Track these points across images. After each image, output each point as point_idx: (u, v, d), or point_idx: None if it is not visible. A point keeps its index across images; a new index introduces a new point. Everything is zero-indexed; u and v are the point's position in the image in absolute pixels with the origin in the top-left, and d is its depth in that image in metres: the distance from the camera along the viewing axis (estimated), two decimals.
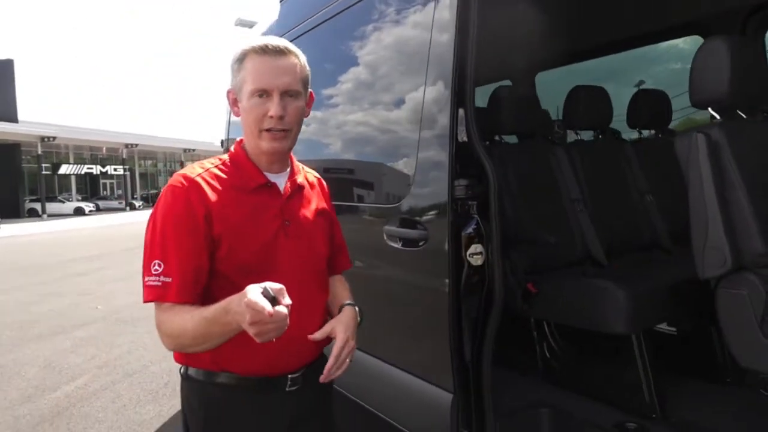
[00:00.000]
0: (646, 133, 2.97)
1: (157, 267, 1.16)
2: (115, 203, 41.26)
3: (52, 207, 34.09)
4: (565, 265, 2.34)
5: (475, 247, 1.66)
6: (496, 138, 2.50)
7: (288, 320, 1.02)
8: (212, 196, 1.20)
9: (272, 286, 1.03)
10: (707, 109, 1.77)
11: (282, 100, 1.21)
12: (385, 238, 1.92)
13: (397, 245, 1.88)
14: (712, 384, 2.11)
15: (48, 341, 5.63)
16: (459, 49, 1.62)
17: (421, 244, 1.78)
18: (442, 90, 1.70)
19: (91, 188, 43.53)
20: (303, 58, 1.27)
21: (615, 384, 1.98)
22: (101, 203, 39.50)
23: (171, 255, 1.16)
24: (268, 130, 1.22)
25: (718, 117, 1.74)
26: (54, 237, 19.70)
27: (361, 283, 2.09)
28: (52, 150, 37.71)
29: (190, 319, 1.12)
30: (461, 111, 1.66)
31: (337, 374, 1.26)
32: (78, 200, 38.32)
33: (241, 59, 1.23)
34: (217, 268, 1.21)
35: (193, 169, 1.25)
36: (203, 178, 1.22)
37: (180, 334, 1.15)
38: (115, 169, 42.37)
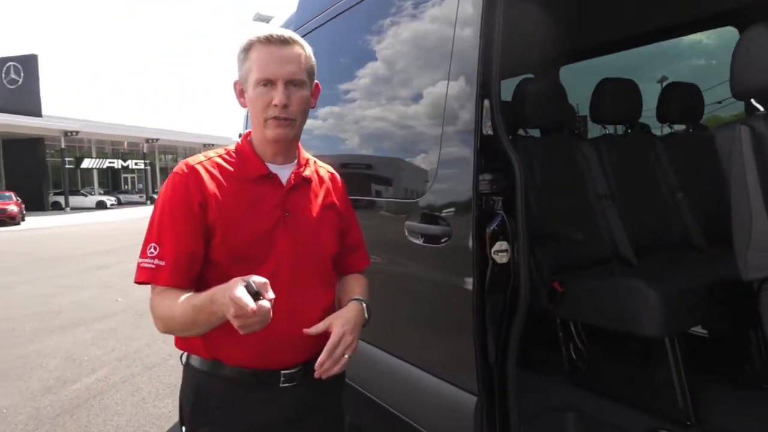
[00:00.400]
0: (673, 128, 2.87)
1: (152, 250, 1.19)
2: (136, 197, 41.86)
3: (74, 200, 34.69)
4: (592, 263, 2.26)
5: (500, 244, 1.60)
6: (520, 132, 2.42)
7: (271, 314, 1.03)
8: (210, 184, 1.21)
9: (256, 280, 1.04)
10: (750, 101, 1.68)
11: (286, 89, 1.21)
12: (406, 234, 1.87)
13: (419, 241, 1.82)
14: (749, 390, 2.02)
15: (69, 333, 5.70)
16: (484, 41, 1.56)
17: (443, 240, 1.72)
18: (466, 83, 1.64)
19: (112, 182, 44.20)
20: (308, 49, 1.28)
21: (646, 388, 1.90)
22: (122, 197, 40.14)
23: (166, 239, 1.19)
24: (273, 118, 1.23)
25: (761, 108, 1.64)
26: (76, 230, 20.04)
27: (380, 279, 2.04)
28: (75, 144, 38.34)
29: (179, 305, 1.14)
30: (486, 104, 1.60)
31: (333, 371, 1.19)
32: (100, 194, 38.98)
33: (246, 49, 1.25)
34: (210, 256, 1.21)
35: (196, 158, 1.28)
36: (204, 167, 1.24)
37: (169, 318, 1.17)
38: (136, 164, 42.95)
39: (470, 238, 1.59)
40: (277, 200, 1.26)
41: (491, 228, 1.58)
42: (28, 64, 36.07)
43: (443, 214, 1.72)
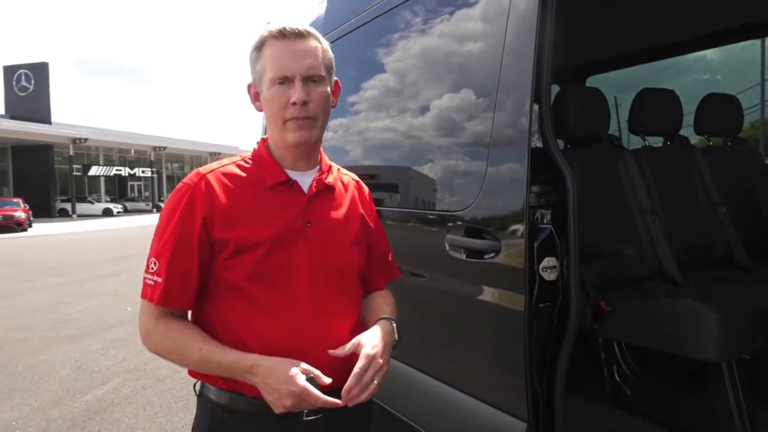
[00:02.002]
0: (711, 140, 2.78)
1: (153, 265, 1.13)
2: (142, 205, 41.97)
3: (81, 207, 34.81)
4: (634, 280, 2.16)
5: (549, 261, 1.52)
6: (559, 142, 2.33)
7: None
8: (221, 194, 1.12)
9: (305, 366, 1.06)
10: None
11: (305, 85, 1.12)
12: (447, 248, 1.77)
13: (461, 256, 1.73)
14: None
15: (79, 342, 5.62)
16: (538, 49, 1.48)
17: (489, 255, 1.63)
18: (518, 93, 1.56)
19: (119, 190, 44.36)
20: (325, 42, 1.19)
21: (700, 416, 1.79)
22: (129, 205, 40.25)
23: (163, 255, 1.11)
24: (293, 119, 1.13)
25: None
26: (83, 237, 20.05)
27: (415, 294, 1.95)
28: (83, 151, 38.50)
29: (197, 351, 1.08)
30: (538, 115, 1.52)
31: (361, 398, 1.08)
32: (107, 201, 39.10)
33: (259, 47, 1.16)
34: (220, 274, 1.13)
35: (208, 166, 1.19)
36: (215, 175, 1.15)
37: (176, 355, 1.12)
38: (143, 171, 43.10)
39: (520, 253, 1.50)
40: (297, 210, 1.16)
41: (539, 243, 1.50)
42: (39, 71, 36.43)
43: (490, 228, 1.63)
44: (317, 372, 1.06)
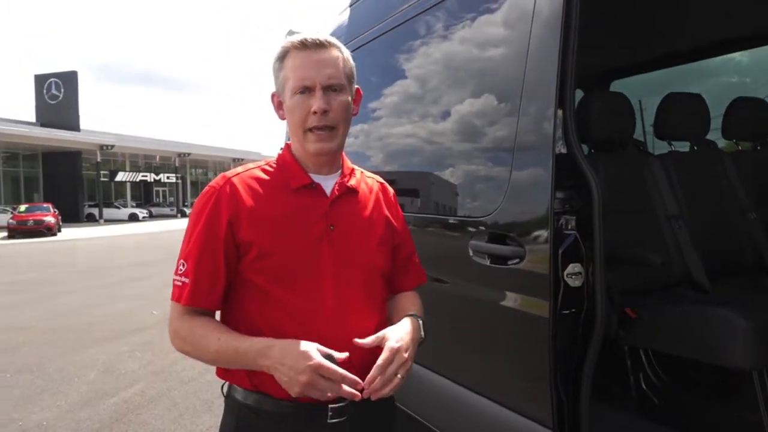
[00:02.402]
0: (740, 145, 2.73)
1: (181, 267, 1.15)
2: (167, 210, 42.69)
3: (108, 212, 35.57)
4: (661, 287, 2.13)
5: (573, 267, 1.51)
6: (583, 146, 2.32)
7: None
8: (246, 197, 1.15)
9: (323, 349, 1.06)
10: None
11: (325, 94, 1.15)
12: (470, 253, 1.78)
13: (485, 261, 1.73)
14: None
15: (106, 345, 5.74)
16: (562, 54, 1.48)
17: (513, 261, 1.62)
18: (541, 98, 1.56)
19: (144, 195, 45.17)
20: (346, 52, 1.21)
21: (728, 424, 1.75)
22: (154, 210, 40.97)
23: (190, 257, 1.14)
24: (312, 129, 1.16)
25: None
26: (110, 242, 20.47)
27: (438, 299, 1.95)
28: (110, 158, 39.36)
29: (216, 340, 1.10)
30: (562, 119, 1.52)
31: (383, 392, 1.07)
32: (132, 206, 39.84)
33: (281, 57, 1.19)
34: (247, 277, 1.15)
35: (234, 171, 1.22)
36: (241, 179, 1.18)
37: (199, 349, 1.14)
38: (168, 177, 43.86)
39: (545, 259, 1.50)
40: (320, 213, 1.17)
41: (564, 249, 1.49)
42: (69, 80, 37.43)
43: (514, 234, 1.63)
44: (332, 352, 1.06)
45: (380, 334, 1.13)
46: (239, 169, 1.22)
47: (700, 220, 2.30)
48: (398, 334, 1.14)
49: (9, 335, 6.20)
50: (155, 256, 14.05)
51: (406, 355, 1.11)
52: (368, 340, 1.12)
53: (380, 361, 1.07)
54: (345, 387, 1.04)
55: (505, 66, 1.76)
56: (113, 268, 12.34)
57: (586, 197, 1.53)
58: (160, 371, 4.81)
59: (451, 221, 2.02)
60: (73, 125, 36.07)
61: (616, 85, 3.65)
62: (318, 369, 1.02)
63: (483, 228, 1.75)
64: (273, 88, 1.25)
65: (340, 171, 1.25)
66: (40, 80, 37.75)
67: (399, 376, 1.09)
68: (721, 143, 2.77)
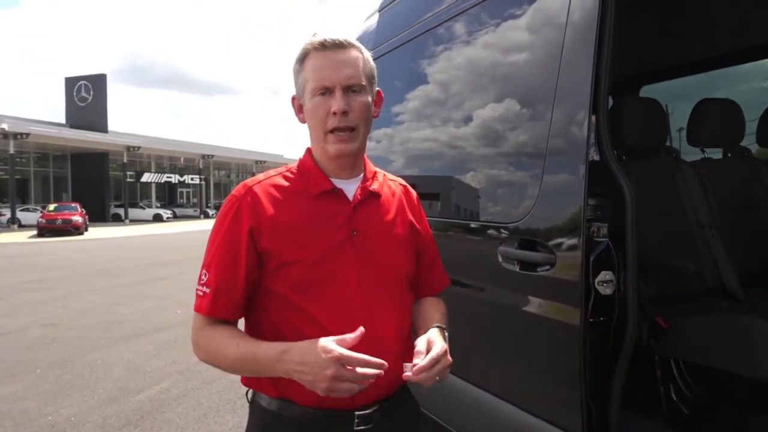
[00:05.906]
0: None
1: (203, 276, 1.15)
2: (190, 211, 43.32)
3: (133, 213, 36.23)
4: (693, 296, 2.09)
5: (605, 275, 1.49)
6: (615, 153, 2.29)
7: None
8: (267, 205, 1.14)
9: (338, 338, 1.02)
10: None
11: (345, 95, 1.13)
12: (500, 259, 1.77)
13: (515, 268, 1.72)
14: None
15: (132, 343, 5.84)
16: (597, 57, 1.46)
17: (544, 268, 1.61)
18: (574, 104, 1.54)
19: (169, 196, 45.92)
20: (366, 52, 1.20)
21: None
22: (178, 210, 41.65)
23: (212, 266, 1.14)
24: (332, 131, 1.14)
25: None
26: (136, 241, 20.83)
27: (466, 304, 1.95)
28: (136, 159, 40.13)
29: (234, 347, 1.09)
30: (595, 126, 1.50)
31: (425, 383, 1.04)
32: (157, 207, 40.53)
33: (301, 59, 1.18)
34: (270, 285, 1.14)
35: (255, 178, 1.21)
36: (262, 187, 1.17)
37: (220, 357, 1.12)
38: (191, 179, 44.51)
39: (576, 267, 1.48)
40: (343, 218, 1.15)
41: (595, 257, 1.48)
42: (98, 82, 38.32)
43: (545, 241, 1.62)
44: (345, 336, 1.02)
45: (424, 337, 1.11)
46: (260, 176, 1.22)
47: (733, 228, 2.25)
48: (440, 341, 1.12)
49: (39, 331, 6.35)
50: (179, 256, 14.26)
51: (450, 359, 1.10)
52: (419, 344, 1.09)
53: (433, 353, 1.06)
54: (369, 370, 0.99)
55: (538, 72, 1.75)
56: (138, 267, 12.56)
57: (619, 204, 1.52)
58: (185, 370, 4.87)
59: (479, 227, 2.01)
60: (102, 127, 36.91)
61: (645, 91, 3.60)
62: (340, 359, 0.98)
63: (512, 234, 1.74)
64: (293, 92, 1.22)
65: (362, 174, 1.24)
66: (71, 83, 38.73)
67: (437, 378, 1.06)
68: (754, 148, 2.72)
